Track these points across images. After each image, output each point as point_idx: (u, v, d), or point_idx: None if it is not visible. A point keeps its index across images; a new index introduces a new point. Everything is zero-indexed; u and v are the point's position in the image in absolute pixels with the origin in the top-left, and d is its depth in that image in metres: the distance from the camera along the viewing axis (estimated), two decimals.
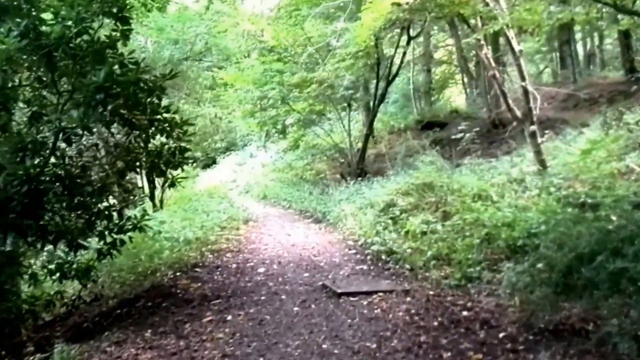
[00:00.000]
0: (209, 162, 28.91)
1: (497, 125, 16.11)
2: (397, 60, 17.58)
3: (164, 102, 5.88)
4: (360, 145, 17.61)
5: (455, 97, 26.77)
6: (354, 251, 8.49)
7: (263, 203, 18.13)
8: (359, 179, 15.04)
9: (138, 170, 6.10)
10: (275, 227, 11.93)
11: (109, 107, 4.92)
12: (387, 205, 9.87)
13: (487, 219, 7.01)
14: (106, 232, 5.55)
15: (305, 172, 19.08)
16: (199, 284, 6.52)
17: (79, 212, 5.16)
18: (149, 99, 5.46)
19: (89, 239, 5.86)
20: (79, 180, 5.05)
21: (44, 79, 5.41)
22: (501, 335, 4.27)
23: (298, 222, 12.98)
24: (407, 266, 6.84)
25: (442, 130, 17.44)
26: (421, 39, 21.06)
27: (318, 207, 13.50)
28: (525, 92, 9.84)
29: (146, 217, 6.14)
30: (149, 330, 5.00)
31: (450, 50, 24.46)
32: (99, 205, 5.29)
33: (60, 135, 5.03)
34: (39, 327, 6.18)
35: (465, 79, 23.12)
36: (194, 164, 22.10)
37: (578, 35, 21.90)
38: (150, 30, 13.90)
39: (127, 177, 7.30)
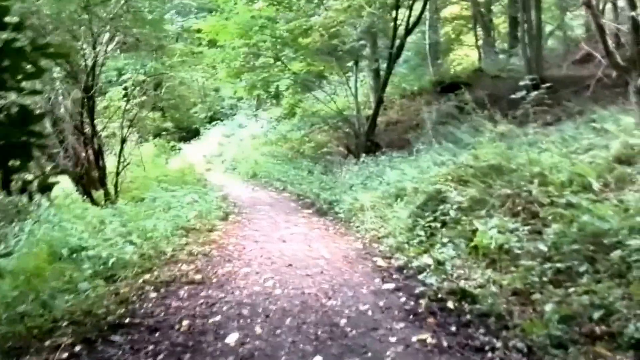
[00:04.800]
0: (189, 135, 24.99)
1: (538, 86, 13.12)
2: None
3: None
4: (368, 112, 14.44)
5: (460, 58, 23.29)
6: (391, 284, 5.14)
7: (252, 184, 14.86)
8: (370, 153, 12.09)
9: None
10: (264, 224, 8.66)
11: None
12: (429, 198, 6.65)
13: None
14: None
15: (303, 145, 15.91)
16: None
17: None
18: None
19: None
20: None
21: None
22: None
23: (295, 214, 9.72)
24: (519, 344, 3.43)
25: (467, 92, 14.24)
26: None
27: (322, 194, 10.32)
28: (636, 27, 6.64)
29: None
30: None
31: (461, 5, 21.14)
32: None
33: None
34: None
35: (480, 36, 20.61)
36: (167, 137, 18.67)
37: None
38: None
39: None
